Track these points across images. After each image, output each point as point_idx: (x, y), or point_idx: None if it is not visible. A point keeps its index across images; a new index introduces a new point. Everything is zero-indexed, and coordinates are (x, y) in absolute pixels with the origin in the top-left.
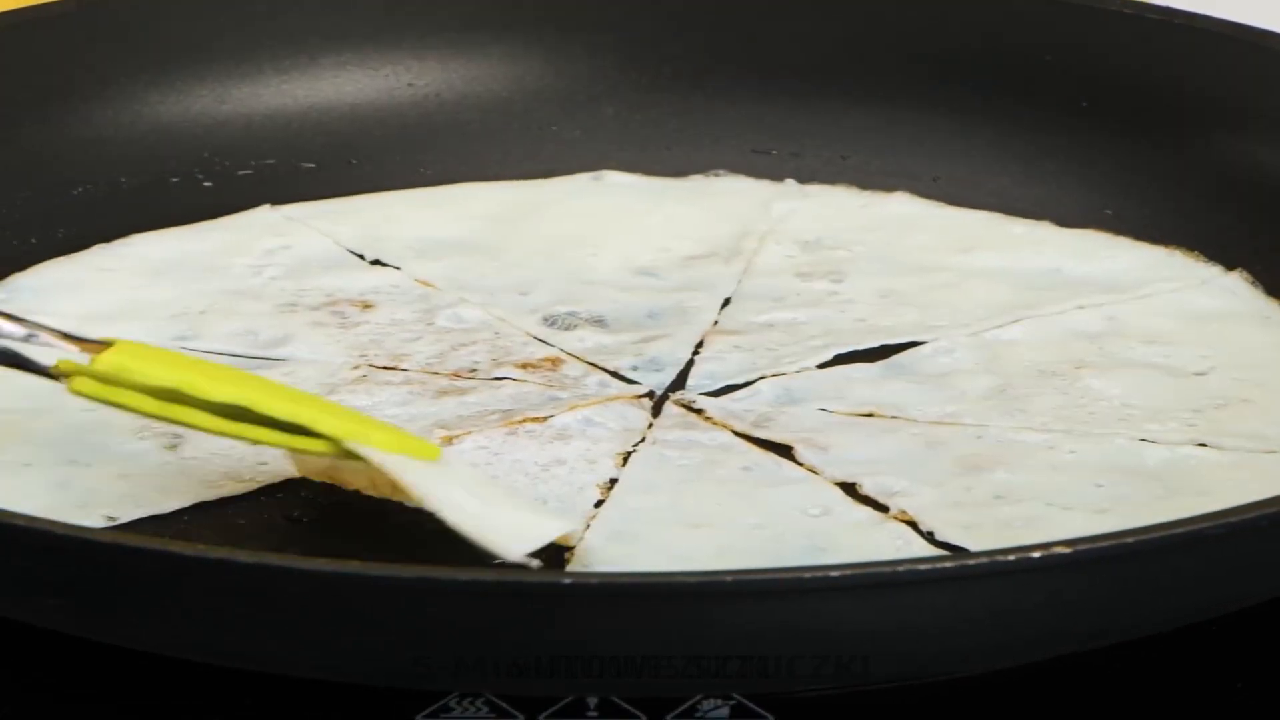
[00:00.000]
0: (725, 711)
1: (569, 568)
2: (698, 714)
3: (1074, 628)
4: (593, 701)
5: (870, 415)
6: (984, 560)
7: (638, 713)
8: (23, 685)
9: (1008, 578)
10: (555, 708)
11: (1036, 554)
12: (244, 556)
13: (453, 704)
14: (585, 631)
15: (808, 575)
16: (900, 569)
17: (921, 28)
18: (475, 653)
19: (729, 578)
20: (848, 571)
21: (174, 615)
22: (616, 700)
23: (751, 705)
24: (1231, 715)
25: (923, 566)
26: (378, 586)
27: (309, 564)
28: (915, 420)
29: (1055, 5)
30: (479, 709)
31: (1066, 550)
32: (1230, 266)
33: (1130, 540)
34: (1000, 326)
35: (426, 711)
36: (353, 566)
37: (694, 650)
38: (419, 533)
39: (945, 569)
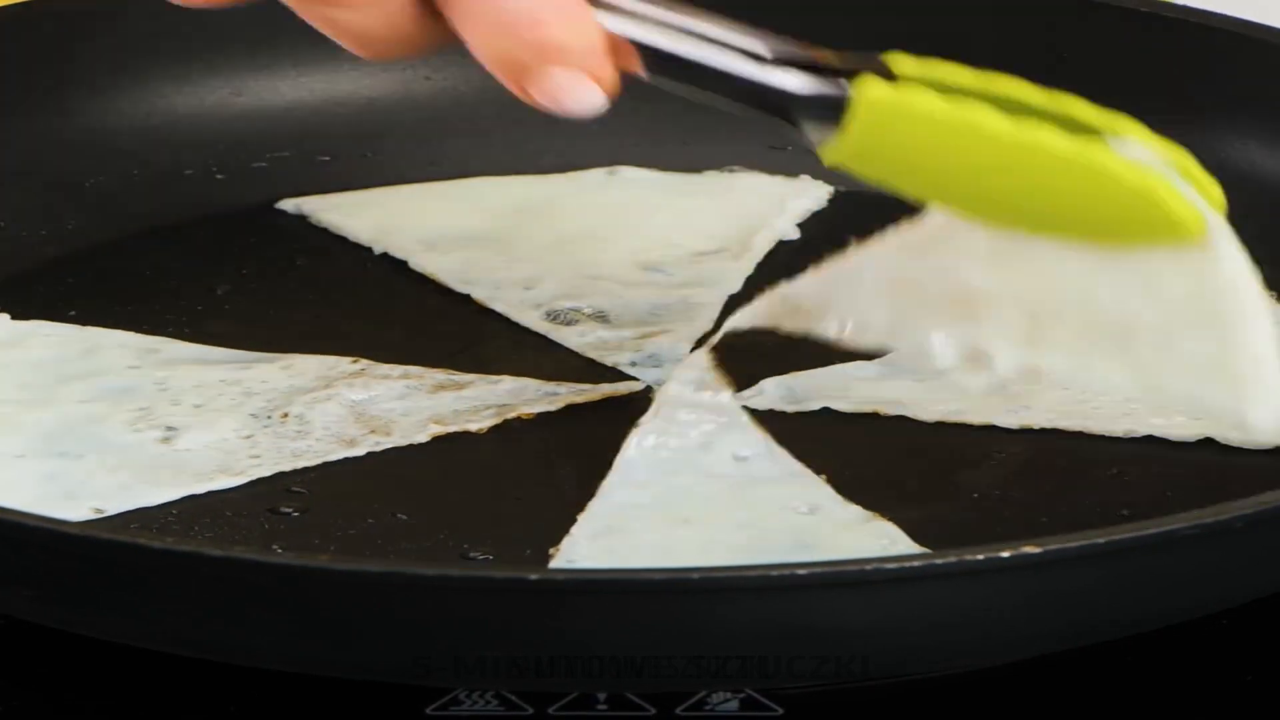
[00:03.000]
0: (735, 704)
1: (552, 564)
2: (707, 707)
3: (1053, 627)
4: (601, 695)
5: (872, 413)
6: (952, 560)
7: (648, 706)
8: (21, 685)
9: (977, 578)
10: (564, 701)
11: (1005, 554)
12: (212, 550)
13: (461, 697)
14: (576, 627)
15: (774, 574)
16: (867, 568)
17: (937, 26)
18: (471, 649)
19: (695, 575)
20: (816, 569)
21: (147, 609)
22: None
23: (761, 699)
24: (1241, 708)
25: (890, 565)
26: (358, 582)
27: (288, 558)
28: (916, 417)
29: (1070, 4)
30: (488, 702)
31: (1035, 550)
32: None
33: (1101, 541)
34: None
35: (435, 705)
36: (326, 560)
37: (692, 649)
38: (409, 528)
39: (912, 569)
